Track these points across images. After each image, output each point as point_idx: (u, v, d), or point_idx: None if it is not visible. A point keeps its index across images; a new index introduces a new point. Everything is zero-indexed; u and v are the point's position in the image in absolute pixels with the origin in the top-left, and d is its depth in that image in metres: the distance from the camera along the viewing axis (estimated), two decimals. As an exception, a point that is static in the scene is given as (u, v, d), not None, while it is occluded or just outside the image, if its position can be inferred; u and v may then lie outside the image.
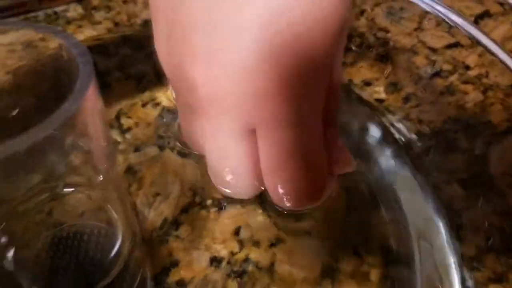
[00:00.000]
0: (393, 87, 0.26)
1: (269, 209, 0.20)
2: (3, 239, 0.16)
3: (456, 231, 0.20)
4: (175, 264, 0.19)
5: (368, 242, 0.20)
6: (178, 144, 0.22)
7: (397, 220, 0.20)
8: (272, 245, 0.19)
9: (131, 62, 0.26)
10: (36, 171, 0.17)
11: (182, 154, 0.22)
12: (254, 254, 0.19)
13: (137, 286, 0.17)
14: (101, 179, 0.17)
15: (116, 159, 0.18)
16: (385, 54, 0.27)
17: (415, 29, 0.28)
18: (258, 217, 0.20)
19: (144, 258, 0.19)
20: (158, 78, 0.25)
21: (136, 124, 0.23)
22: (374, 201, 0.21)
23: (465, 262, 0.19)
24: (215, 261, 0.19)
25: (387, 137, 0.23)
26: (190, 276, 0.19)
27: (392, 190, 0.21)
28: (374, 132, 0.24)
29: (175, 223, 0.20)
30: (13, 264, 0.16)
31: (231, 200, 0.21)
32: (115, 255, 0.16)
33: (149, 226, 0.20)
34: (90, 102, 0.12)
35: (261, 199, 0.21)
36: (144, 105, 0.24)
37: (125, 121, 0.23)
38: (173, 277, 0.19)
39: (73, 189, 0.18)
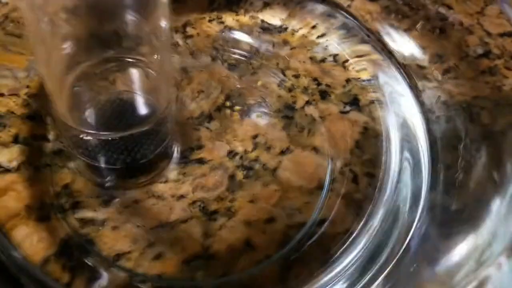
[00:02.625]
0: (438, 58, 0.27)
1: (288, 126, 0.24)
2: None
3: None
4: (200, 147, 0.23)
5: (370, 176, 0.22)
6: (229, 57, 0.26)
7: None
8: (281, 152, 0.23)
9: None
10: (112, 38, 0.21)
11: (230, 67, 0.26)
12: (264, 157, 0.22)
13: (165, 149, 0.21)
14: (157, 58, 0.21)
15: (169, 43, 0.22)
16: (440, 27, 0.28)
17: (478, 12, 0.29)
18: (277, 131, 0.24)
19: (177, 135, 0.23)
20: (227, 2, 0.29)
21: (198, 34, 0.27)
22: (386, 143, 0.23)
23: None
24: (231, 153, 0.23)
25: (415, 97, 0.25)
26: (208, 159, 0.22)
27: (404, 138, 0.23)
28: (404, 91, 0.26)
29: (209, 117, 0.24)
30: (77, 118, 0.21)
31: (256, 111, 0.24)
32: (151, 114, 0.20)
33: (188, 113, 0.24)
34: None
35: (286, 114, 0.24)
36: (210, 21, 0.28)
37: (190, 30, 0.27)
38: (195, 156, 0.23)
39: (135, 63, 0.22)
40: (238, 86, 0.25)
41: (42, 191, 0.21)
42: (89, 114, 0.20)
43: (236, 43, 0.27)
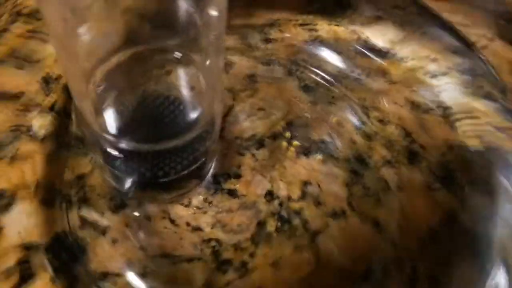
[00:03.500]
0: None
1: (352, 184, 0.18)
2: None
3: None
4: (237, 176, 0.19)
5: (436, 282, 0.16)
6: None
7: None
8: (333, 215, 0.18)
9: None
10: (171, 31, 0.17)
11: (304, 89, 0.21)
12: (309, 212, 0.18)
13: (197, 168, 0.18)
14: (205, 59, 0.17)
15: (222, 43, 0.18)
16: None
17: None
18: (336, 185, 0.19)
19: (217, 153, 0.19)
20: (333, 6, 0.24)
21: (282, 39, 0.23)
22: (477, 247, 0.17)
23: None
24: (269, 195, 0.18)
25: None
26: (242, 193, 0.18)
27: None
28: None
29: (260, 143, 0.20)
30: (116, 104, 0.18)
31: (318, 152, 0.19)
32: (188, 127, 0.17)
33: (237, 132, 0.20)
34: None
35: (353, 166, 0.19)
36: (301, 25, 0.23)
37: (273, 33, 0.23)
38: (228, 185, 0.19)
39: (177, 61, 0.18)
40: (307, 114, 0.20)
41: (56, 172, 0.19)
42: (115, 119, 0.17)
43: (322, 60, 0.22)
